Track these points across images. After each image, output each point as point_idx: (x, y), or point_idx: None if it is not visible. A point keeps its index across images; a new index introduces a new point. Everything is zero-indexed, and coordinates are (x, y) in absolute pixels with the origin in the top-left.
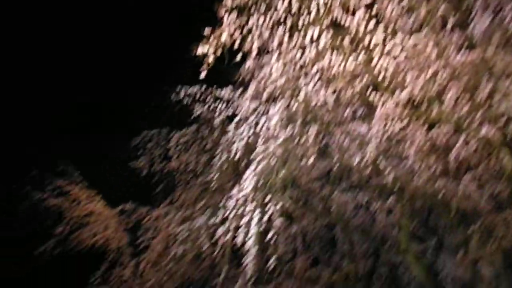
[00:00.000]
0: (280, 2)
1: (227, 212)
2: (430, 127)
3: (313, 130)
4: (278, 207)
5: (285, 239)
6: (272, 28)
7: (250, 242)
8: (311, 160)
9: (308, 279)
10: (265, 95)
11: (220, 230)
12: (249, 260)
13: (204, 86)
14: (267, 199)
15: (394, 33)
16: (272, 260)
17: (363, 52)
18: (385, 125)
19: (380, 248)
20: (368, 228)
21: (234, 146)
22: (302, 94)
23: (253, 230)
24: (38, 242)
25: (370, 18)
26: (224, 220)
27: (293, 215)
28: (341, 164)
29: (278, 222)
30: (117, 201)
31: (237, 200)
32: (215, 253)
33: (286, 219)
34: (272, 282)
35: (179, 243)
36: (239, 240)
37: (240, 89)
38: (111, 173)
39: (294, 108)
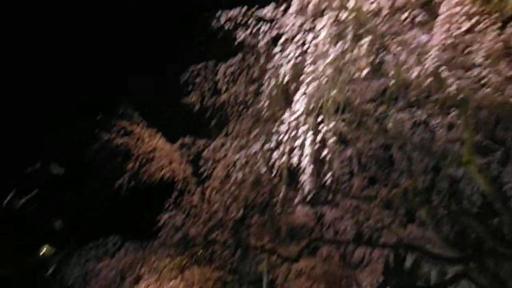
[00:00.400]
0: None
1: (281, 137)
2: (504, 24)
3: (366, 44)
4: (331, 129)
5: (341, 161)
6: None
7: (305, 162)
8: (365, 78)
9: (365, 198)
10: (310, 9)
11: (276, 154)
12: (305, 180)
13: (245, 7)
14: (319, 121)
15: None
16: (328, 180)
17: None
18: (448, 30)
19: (440, 163)
20: (428, 145)
21: (282, 70)
22: (351, 3)
23: (308, 150)
24: (113, 178)
25: None
26: (278, 144)
27: (347, 137)
28: (398, 80)
29: (332, 143)
30: (176, 137)
31: (289, 124)
32: (273, 176)
33: (341, 141)
34: (328, 201)
35: (238, 170)
36: (294, 161)
37: (283, 6)
38: (166, 111)
39: (343, 21)
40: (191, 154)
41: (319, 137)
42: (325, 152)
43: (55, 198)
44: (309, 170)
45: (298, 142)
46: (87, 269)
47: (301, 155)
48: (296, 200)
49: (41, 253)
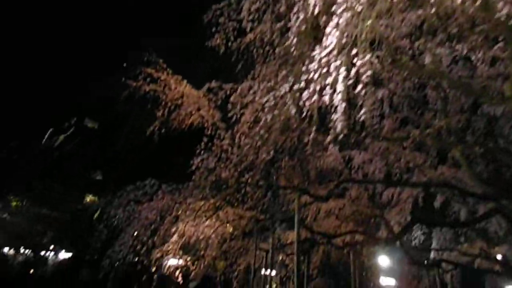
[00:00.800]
0: None
1: (311, 75)
2: None
3: None
4: (364, 65)
5: (372, 103)
6: None
7: (336, 101)
8: (401, 10)
9: (396, 139)
10: None
11: (306, 93)
12: (336, 119)
13: None
14: (351, 57)
15: None
16: (360, 120)
17: None
18: None
19: (478, 101)
20: (466, 82)
21: (311, 2)
22: None
23: (340, 87)
24: (144, 124)
25: None
26: (308, 83)
27: (380, 76)
28: (437, 11)
29: (367, 77)
30: (202, 82)
31: (320, 61)
32: (303, 116)
33: (373, 81)
34: (359, 144)
35: (267, 112)
36: (325, 100)
37: None
38: (191, 56)
39: None
40: (218, 99)
41: (352, 72)
42: (358, 88)
43: (92, 150)
44: (341, 108)
45: (329, 80)
46: (129, 210)
47: (333, 93)
48: (327, 140)
49: (85, 201)
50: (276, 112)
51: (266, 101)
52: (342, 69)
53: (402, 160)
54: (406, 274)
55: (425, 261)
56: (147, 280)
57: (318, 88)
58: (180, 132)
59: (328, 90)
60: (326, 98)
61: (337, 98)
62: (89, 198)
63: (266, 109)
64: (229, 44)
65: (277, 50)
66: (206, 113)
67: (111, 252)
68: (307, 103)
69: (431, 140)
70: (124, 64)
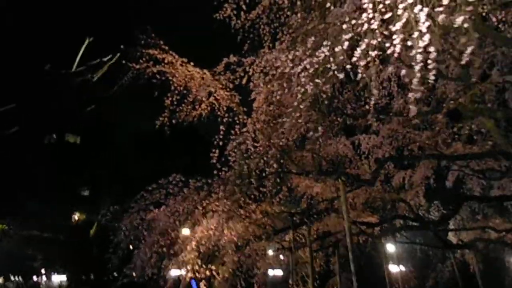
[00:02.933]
0: None
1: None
2: None
3: None
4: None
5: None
6: None
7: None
8: None
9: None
10: None
11: (358, 52)
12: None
13: None
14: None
15: None
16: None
17: None
18: None
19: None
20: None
21: None
22: None
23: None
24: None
25: None
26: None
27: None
28: None
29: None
30: (213, 61)
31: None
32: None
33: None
34: (367, 128)
35: (303, 84)
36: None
37: None
38: (197, 33)
39: None
40: (235, 78)
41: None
42: None
43: (75, 166)
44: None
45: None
46: (142, 218)
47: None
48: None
49: (73, 219)
50: (314, 81)
51: (302, 70)
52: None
53: (414, 139)
54: (418, 259)
55: (445, 243)
56: None
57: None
58: (191, 122)
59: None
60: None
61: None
62: (77, 215)
63: (302, 79)
64: (240, 14)
65: (293, 17)
66: (223, 95)
67: (128, 269)
68: (362, 62)
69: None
70: (122, 46)
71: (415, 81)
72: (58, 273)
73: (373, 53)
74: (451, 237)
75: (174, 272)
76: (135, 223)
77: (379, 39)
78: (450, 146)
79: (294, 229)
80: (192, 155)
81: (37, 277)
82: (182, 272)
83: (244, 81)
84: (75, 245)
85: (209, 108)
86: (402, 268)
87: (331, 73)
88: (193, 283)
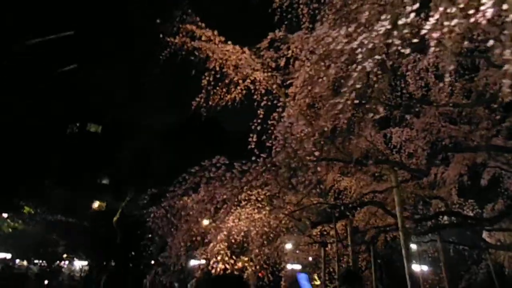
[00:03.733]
0: None
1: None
2: None
3: None
4: None
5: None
6: None
7: None
8: None
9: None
10: None
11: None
12: None
13: None
14: None
15: None
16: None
17: None
18: None
19: None
20: None
21: None
22: None
23: None
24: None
25: None
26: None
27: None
28: None
29: None
30: (249, 41)
31: None
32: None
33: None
34: (400, 120)
35: (359, 61)
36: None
37: None
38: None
39: None
40: (280, 56)
41: None
42: None
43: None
44: None
45: None
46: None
47: None
48: None
49: (93, 207)
50: (373, 57)
51: (359, 45)
52: None
53: (450, 133)
54: (447, 260)
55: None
56: None
57: None
58: (228, 103)
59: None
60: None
61: None
62: (97, 204)
63: (359, 56)
64: None
65: None
66: (262, 76)
67: (162, 258)
68: (435, 34)
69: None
70: (158, 20)
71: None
72: (80, 258)
73: (451, 22)
74: (486, 237)
75: (193, 262)
76: (167, 211)
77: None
78: (489, 140)
79: (336, 222)
80: (214, 146)
81: (60, 261)
82: (202, 261)
83: (282, 63)
84: (98, 231)
85: (244, 92)
86: (425, 268)
87: (394, 48)
88: (303, 277)
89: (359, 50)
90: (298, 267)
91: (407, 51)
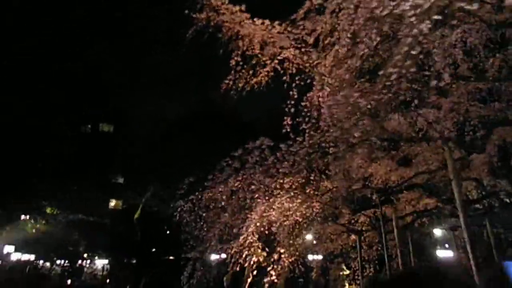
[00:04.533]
0: None
1: None
2: None
3: None
4: None
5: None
6: None
7: None
8: None
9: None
10: None
11: None
12: None
13: None
14: None
15: None
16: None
17: None
18: None
19: None
20: None
21: None
22: None
23: None
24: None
25: None
26: None
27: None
28: None
29: None
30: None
31: None
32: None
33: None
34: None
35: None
36: None
37: None
38: None
39: None
40: (315, 30)
41: None
42: None
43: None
44: None
45: None
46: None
47: None
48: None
49: (110, 206)
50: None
51: (412, 7)
52: None
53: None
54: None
55: None
56: None
57: None
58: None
59: None
60: None
61: None
62: (113, 202)
63: (412, 19)
64: None
65: None
66: (293, 53)
67: (198, 252)
68: None
69: None
70: None
71: None
72: (100, 257)
73: None
74: None
75: (214, 256)
76: (194, 204)
77: None
78: None
79: (381, 208)
80: (229, 138)
81: (81, 261)
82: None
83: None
84: (118, 229)
85: (272, 74)
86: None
87: (458, 4)
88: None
89: (412, 12)
90: (319, 257)
91: (475, 6)
